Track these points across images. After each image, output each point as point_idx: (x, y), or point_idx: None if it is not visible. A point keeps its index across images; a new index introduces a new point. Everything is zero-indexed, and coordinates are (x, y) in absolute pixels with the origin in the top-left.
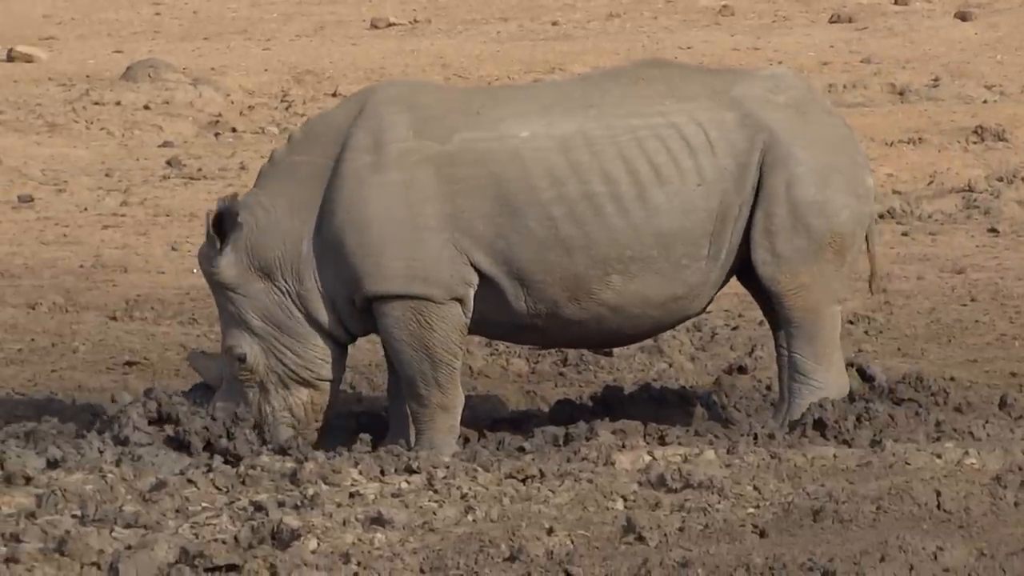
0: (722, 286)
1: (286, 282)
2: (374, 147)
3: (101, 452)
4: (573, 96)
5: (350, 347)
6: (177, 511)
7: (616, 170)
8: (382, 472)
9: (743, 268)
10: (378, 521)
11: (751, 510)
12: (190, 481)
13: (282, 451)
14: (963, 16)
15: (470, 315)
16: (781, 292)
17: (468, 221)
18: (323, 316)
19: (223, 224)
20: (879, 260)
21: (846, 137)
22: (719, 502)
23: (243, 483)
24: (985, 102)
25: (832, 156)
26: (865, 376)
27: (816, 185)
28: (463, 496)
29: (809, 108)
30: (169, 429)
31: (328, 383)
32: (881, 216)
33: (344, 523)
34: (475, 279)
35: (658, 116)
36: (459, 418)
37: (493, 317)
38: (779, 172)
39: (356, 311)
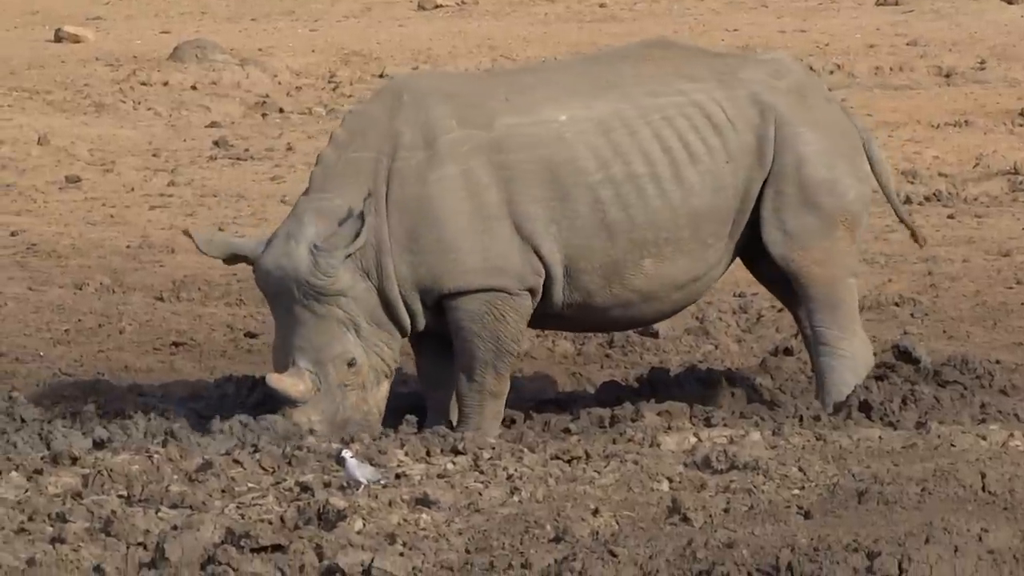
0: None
1: (376, 278)
2: (425, 143)
3: (147, 433)
4: (594, 77)
5: None
6: (223, 491)
7: (654, 150)
8: (428, 453)
9: (753, 255)
10: (424, 502)
11: (796, 491)
12: (236, 462)
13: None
14: None
15: (536, 305)
16: (797, 269)
17: (523, 207)
18: (398, 309)
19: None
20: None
21: (845, 122)
22: (764, 483)
23: (289, 464)
24: None
25: (835, 139)
26: (910, 358)
27: (825, 165)
28: (509, 477)
29: (809, 93)
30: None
31: None
32: (927, 199)
33: (390, 504)
34: (541, 268)
35: (679, 95)
36: (504, 405)
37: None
38: (788, 152)
39: (426, 308)
